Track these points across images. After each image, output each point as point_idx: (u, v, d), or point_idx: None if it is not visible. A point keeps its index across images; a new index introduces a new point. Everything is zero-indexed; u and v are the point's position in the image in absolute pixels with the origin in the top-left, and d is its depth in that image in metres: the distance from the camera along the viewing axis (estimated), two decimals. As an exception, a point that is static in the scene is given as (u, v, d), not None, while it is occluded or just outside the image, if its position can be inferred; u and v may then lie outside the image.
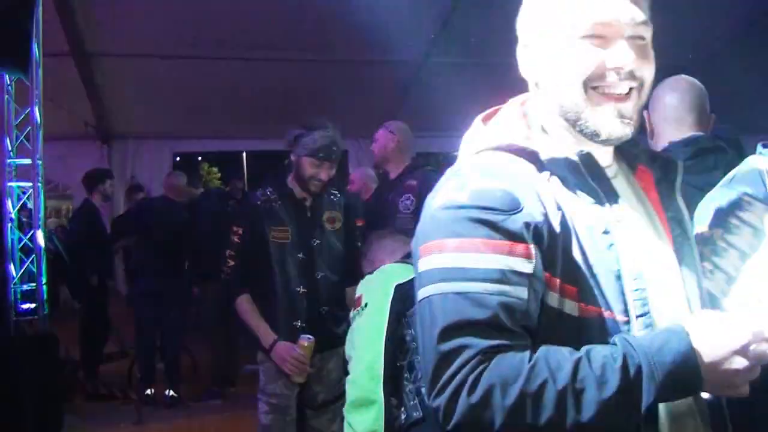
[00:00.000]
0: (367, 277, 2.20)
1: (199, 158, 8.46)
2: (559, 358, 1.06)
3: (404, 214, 3.61)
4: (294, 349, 3.01)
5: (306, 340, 3.01)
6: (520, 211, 1.14)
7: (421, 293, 1.15)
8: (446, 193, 1.19)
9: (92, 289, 5.84)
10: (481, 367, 1.05)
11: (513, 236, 1.12)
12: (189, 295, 6.29)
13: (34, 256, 5.90)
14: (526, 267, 1.11)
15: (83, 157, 8.56)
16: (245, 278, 3.20)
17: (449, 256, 1.12)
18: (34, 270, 5.88)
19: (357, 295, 2.10)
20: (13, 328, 5.79)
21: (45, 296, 5.91)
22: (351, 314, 2.08)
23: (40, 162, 5.91)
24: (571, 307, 1.14)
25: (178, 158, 10.20)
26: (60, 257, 6.71)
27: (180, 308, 5.62)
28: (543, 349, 1.08)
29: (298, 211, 3.22)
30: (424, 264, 1.16)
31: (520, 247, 1.12)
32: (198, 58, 8.17)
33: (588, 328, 1.14)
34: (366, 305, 2.01)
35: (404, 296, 1.97)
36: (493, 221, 1.12)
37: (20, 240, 5.96)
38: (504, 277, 1.10)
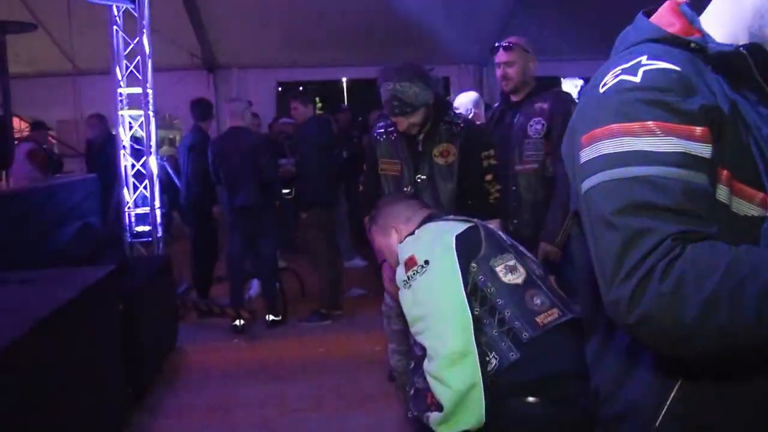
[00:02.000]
0: (408, 238, 2.10)
1: (300, 87, 8.48)
2: (763, 255, 0.95)
3: (533, 138, 3.43)
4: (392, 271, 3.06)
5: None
6: (697, 93, 1.05)
7: (589, 182, 1.06)
8: (615, 77, 1.10)
9: (203, 214, 6.05)
10: (672, 254, 0.95)
11: (691, 119, 1.02)
12: (296, 220, 6.45)
13: (146, 181, 6.17)
14: (705, 152, 1.02)
15: (190, 87, 8.79)
16: (371, 204, 3.26)
17: (622, 141, 1.03)
18: (147, 195, 6.16)
19: (406, 256, 1.98)
20: (128, 250, 6.16)
21: (158, 220, 6.22)
22: (405, 275, 1.96)
23: (149, 91, 6.11)
24: (738, 205, 1.05)
25: (280, 88, 10.30)
26: (172, 184, 6.97)
27: (270, 233, 5.73)
28: (743, 247, 0.97)
29: (410, 144, 3.16)
30: (591, 152, 1.07)
31: (698, 131, 1.02)
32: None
33: (756, 229, 1.04)
34: (426, 262, 1.93)
35: (469, 244, 1.96)
36: (669, 103, 1.03)
37: (133, 166, 6.24)
38: (684, 161, 1.00)
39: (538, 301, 1.89)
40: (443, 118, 3.16)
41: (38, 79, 9.24)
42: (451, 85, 8.95)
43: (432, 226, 2.13)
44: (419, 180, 3.11)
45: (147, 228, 6.24)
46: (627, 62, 1.11)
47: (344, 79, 10.42)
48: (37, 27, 6.34)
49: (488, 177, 3.22)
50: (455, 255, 1.92)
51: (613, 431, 1.22)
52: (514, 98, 3.60)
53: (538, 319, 1.87)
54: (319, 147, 5.71)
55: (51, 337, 2.81)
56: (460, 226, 2.04)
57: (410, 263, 1.96)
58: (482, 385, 1.76)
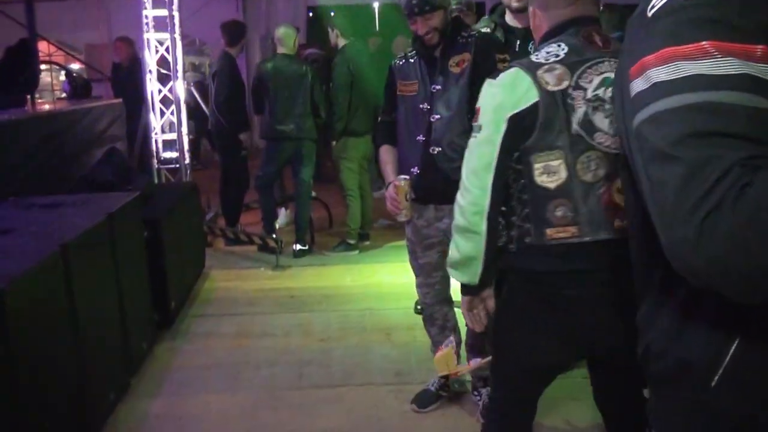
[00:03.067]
0: (489, 82, 1.96)
1: (332, 12, 8.28)
2: None
3: None
4: (392, 190, 3.04)
5: (399, 180, 3.03)
6: (755, 8, 0.94)
7: (642, 115, 0.97)
8: None
9: (232, 142, 5.97)
10: (742, 181, 0.85)
11: (749, 37, 0.92)
12: (326, 150, 6.37)
13: (173, 106, 6.11)
14: (766, 72, 0.91)
15: (219, 12, 8.63)
16: (387, 132, 3.22)
17: (676, 66, 0.94)
18: (174, 121, 6.11)
19: (477, 105, 1.96)
20: (155, 176, 6.15)
21: (185, 146, 6.19)
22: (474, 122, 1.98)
23: (176, 13, 5.98)
24: None
25: (311, 13, 10.07)
26: (199, 109, 6.90)
27: (311, 161, 5.68)
28: None
29: (429, 63, 3.09)
30: (641, 83, 0.98)
31: (759, 50, 0.91)
32: None
33: None
34: (480, 128, 1.91)
35: (519, 130, 1.85)
36: (725, 20, 0.93)
37: (159, 92, 6.17)
38: (745, 83, 0.90)
39: (559, 213, 1.84)
40: (461, 32, 3.05)
41: (66, 2, 9.14)
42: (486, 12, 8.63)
43: (508, 81, 1.90)
44: (434, 90, 3.04)
45: (174, 154, 6.22)
46: None
47: (375, 4, 10.13)
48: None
49: None
50: (500, 138, 1.87)
51: (665, 390, 1.15)
52: None
53: (548, 231, 1.85)
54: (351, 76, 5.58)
55: (77, 260, 2.81)
56: (529, 98, 1.84)
57: (477, 113, 1.96)
58: (482, 259, 1.96)
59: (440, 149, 2.98)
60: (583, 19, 1.90)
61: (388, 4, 9.95)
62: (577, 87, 1.82)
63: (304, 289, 4.91)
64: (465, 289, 2.08)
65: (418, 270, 3.22)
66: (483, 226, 1.92)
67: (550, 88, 1.82)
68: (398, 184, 3.01)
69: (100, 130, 5.17)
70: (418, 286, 3.24)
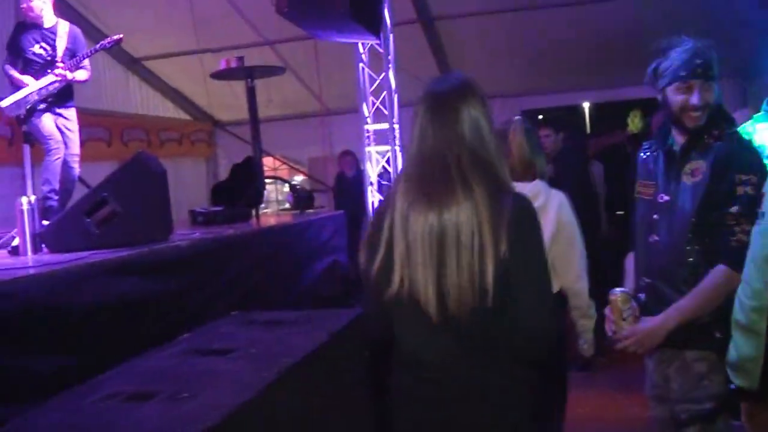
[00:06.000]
0: None
1: (539, 116, 8.09)
2: None
3: None
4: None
5: (614, 294, 2.45)
6: None
7: None
8: None
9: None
10: None
11: None
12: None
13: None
14: None
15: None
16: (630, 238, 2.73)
17: None
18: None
19: (763, 191, 1.83)
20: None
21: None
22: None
23: (396, 126, 6.02)
24: None
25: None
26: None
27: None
28: None
29: (668, 161, 2.57)
30: None
31: None
32: (533, 9, 7.88)
33: None
34: (764, 215, 1.76)
35: None
36: None
37: (380, 202, 6.14)
38: None
39: None
40: (714, 128, 2.46)
41: (290, 121, 9.75)
42: (724, 101, 7.90)
43: None
44: (661, 201, 2.50)
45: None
46: None
47: (586, 104, 9.86)
48: (285, 70, 6.59)
49: (734, 209, 2.33)
50: None
51: None
52: None
53: None
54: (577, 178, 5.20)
55: (298, 385, 2.59)
56: None
57: (761, 198, 1.82)
58: (762, 362, 1.75)
59: (650, 281, 2.47)
60: None
61: (598, 103, 9.68)
62: None
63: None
64: (743, 395, 1.85)
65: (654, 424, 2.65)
66: (764, 324, 1.74)
67: None
68: (612, 298, 2.45)
69: (322, 242, 5.16)
70: None
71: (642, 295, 2.53)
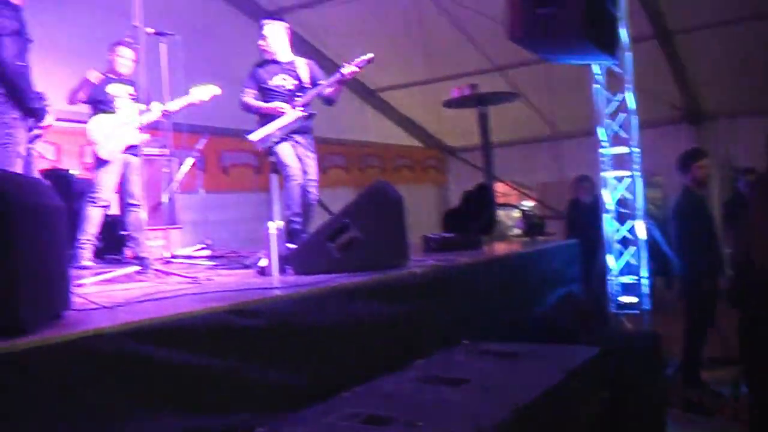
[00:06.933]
0: None
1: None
2: None
3: None
4: None
5: None
6: None
7: None
8: None
9: (702, 288, 5.29)
10: None
11: None
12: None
13: (632, 247, 5.68)
14: None
15: (670, 142, 8.16)
16: None
17: None
18: (634, 262, 5.66)
19: None
20: (612, 322, 5.69)
21: (647, 291, 5.65)
22: None
23: (636, 150, 5.68)
24: None
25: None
26: (656, 248, 6.37)
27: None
28: None
29: None
30: None
31: None
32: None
33: None
34: None
35: None
36: None
37: (617, 231, 5.82)
38: None
39: None
40: None
41: (519, 145, 9.64)
42: None
43: None
44: None
45: (633, 299, 5.72)
46: None
47: None
48: (518, 96, 6.50)
49: None
50: None
51: None
52: None
53: None
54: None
55: (530, 424, 2.48)
56: None
57: None
58: None
59: None
60: None
61: None
62: None
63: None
64: None
65: None
66: None
67: None
68: None
69: (556, 271, 4.98)
70: None
71: None
